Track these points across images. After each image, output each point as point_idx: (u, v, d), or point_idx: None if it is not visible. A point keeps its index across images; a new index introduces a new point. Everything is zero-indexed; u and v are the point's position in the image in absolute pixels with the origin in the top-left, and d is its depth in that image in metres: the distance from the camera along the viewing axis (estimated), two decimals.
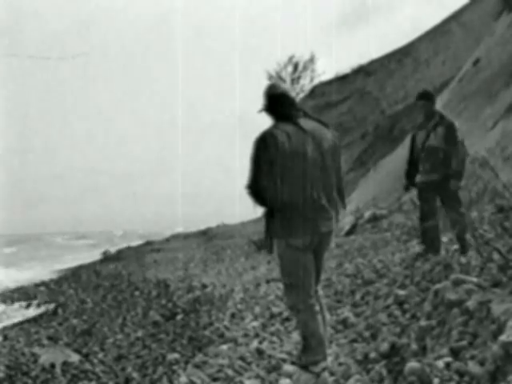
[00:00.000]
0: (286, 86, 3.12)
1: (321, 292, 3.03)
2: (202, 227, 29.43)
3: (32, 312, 7.55)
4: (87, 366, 4.38)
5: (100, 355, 4.71)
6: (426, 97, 4.92)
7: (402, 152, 15.69)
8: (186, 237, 26.76)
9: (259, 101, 3.38)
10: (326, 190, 2.79)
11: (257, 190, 2.70)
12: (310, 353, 2.77)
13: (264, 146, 2.67)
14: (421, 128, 4.97)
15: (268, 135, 2.69)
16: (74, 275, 13.46)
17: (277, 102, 2.84)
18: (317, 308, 2.83)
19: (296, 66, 39.24)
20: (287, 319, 4.24)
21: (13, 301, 8.96)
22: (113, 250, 24.03)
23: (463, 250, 4.58)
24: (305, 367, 2.77)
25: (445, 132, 4.69)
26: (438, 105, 16.32)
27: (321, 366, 2.75)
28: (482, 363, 2.35)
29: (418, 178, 4.89)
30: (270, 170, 2.67)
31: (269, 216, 2.78)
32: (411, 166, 5.00)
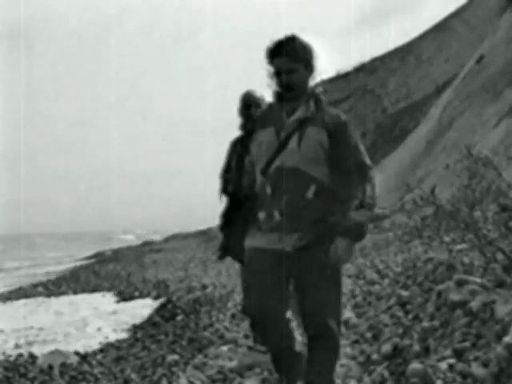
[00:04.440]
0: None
1: None
2: (202, 227, 29.41)
3: None
4: (86, 367, 4.35)
5: (99, 356, 4.69)
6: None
7: (404, 151, 15.64)
8: (185, 237, 26.72)
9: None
10: None
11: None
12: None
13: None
14: (263, 126, 2.14)
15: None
16: (72, 275, 13.43)
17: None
18: None
19: None
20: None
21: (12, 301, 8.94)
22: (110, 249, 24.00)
23: None
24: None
25: (331, 136, 2.07)
26: (441, 104, 16.19)
27: None
28: (485, 365, 2.32)
29: (249, 241, 2.12)
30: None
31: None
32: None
